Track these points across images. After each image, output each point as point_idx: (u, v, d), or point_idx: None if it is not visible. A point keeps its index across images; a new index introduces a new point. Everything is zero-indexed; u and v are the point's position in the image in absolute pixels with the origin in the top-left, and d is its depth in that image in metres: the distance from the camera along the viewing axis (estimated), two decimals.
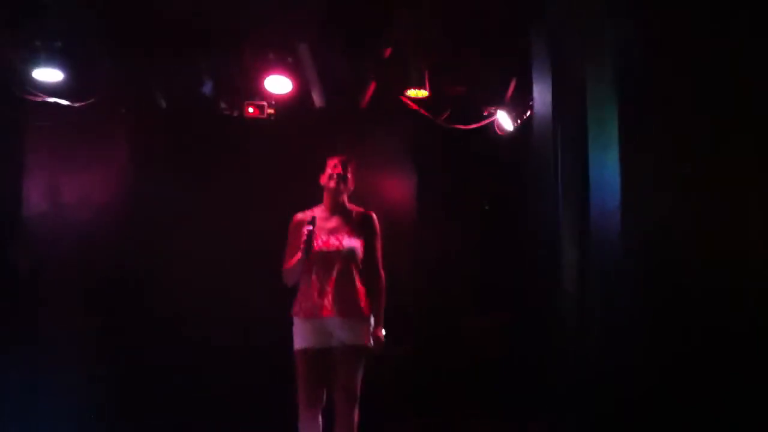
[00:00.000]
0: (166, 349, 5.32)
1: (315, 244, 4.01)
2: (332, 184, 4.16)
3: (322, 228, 4.11)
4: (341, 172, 4.17)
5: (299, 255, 3.99)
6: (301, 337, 4.07)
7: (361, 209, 4.28)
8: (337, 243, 4.09)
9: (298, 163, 5.43)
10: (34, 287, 5.21)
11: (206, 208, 5.51)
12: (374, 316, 4.15)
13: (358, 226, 4.19)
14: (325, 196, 4.23)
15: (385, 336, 4.16)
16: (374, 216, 4.27)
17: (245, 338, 5.39)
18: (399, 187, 6.08)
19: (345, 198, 4.23)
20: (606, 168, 2.43)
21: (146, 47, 4.98)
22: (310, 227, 3.95)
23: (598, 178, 2.47)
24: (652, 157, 2.38)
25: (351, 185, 4.25)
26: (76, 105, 5.07)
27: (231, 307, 5.40)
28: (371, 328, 4.13)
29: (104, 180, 5.50)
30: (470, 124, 5.78)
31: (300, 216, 4.22)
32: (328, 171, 4.20)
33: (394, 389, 5.49)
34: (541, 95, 2.78)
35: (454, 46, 5.26)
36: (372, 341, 4.10)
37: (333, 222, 4.17)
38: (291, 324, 4.16)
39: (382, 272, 4.22)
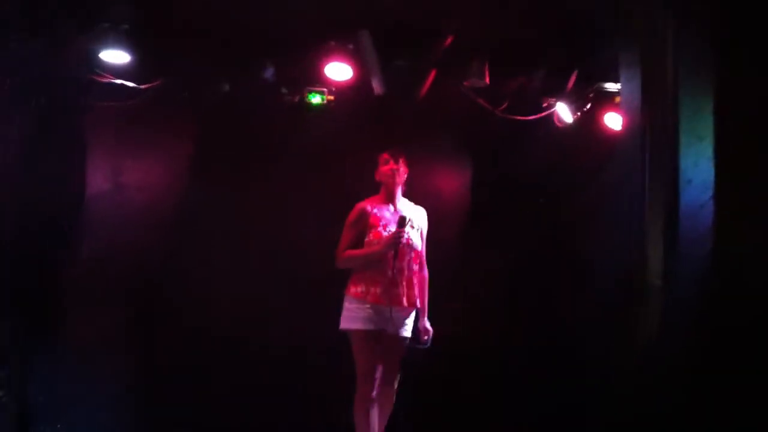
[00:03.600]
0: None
1: (388, 235, 4.22)
2: (388, 178, 4.39)
3: (391, 220, 4.32)
4: (394, 165, 4.39)
5: (378, 248, 4.19)
6: (363, 319, 4.22)
7: (413, 204, 4.51)
8: (406, 236, 4.27)
9: (357, 151, 5.48)
10: (94, 268, 5.25)
11: (263, 193, 5.54)
12: (421, 309, 4.40)
13: (416, 220, 4.41)
14: (382, 190, 4.45)
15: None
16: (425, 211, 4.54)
17: (288, 338, 5.41)
18: (454, 177, 6.06)
19: (401, 190, 4.45)
20: (699, 160, 2.38)
21: (209, 32, 5.01)
22: (404, 230, 4.18)
23: (690, 172, 2.43)
24: (748, 148, 2.32)
25: (404, 176, 4.45)
26: (142, 87, 5.12)
27: (288, 298, 5.41)
28: (416, 321, 4.37)
29: (166, 162, 5.55)
30: (529, 115, 5.72)
31: (362, 205, 4.40)
32: (381, 166, 4.43)
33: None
34: (629, 86, 2.73)
35: (514, 36, 5.21)
36: (421, 334, 4.36)
37: (398, 215, 4.33)
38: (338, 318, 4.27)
39: (426, 266, 4.47)
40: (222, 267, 5.43)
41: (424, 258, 4.47)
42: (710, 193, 2.32)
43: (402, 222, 4.21)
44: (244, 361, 5.31)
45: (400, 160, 4.40)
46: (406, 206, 4.46)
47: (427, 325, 4.38)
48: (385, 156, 4.41)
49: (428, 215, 4.60)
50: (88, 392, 4.95)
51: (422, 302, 4.42)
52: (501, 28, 5.10)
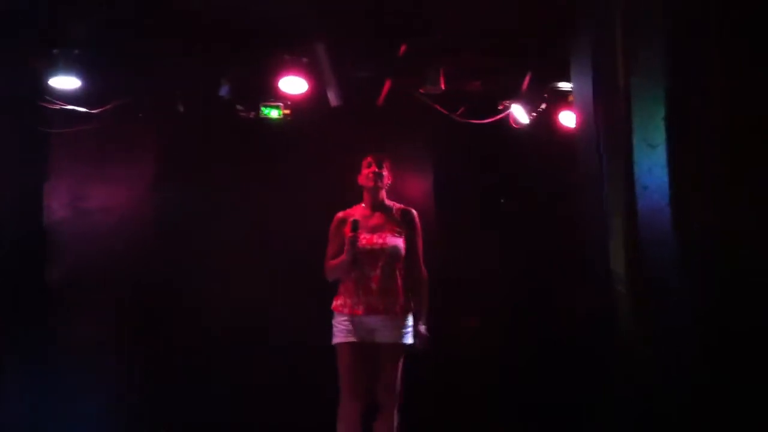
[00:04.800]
0: (192, 352, 5.32)
1: (359, 244, 4.14)
2: (370, 182, 4.33)
3: (365, 226, 4.24)
4: (377, 169, 4.32)
5: (344, 257, 4.13)
6: (344, 333, 4.16)
7: (401, 205, 4.43)
8: (380, 241, 4.22)
9: (317, 163, 5.50)
10: (59, 294, 5.22)
11: (226, 210, 5.53)
12: (417, 313, 4.27)
13: (400, 223, 4.33)
14: (365, 194, 4.40)
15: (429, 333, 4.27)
16: (415, 212, 4.42)
17: (272, 338, 5.41)
18: (416, 184, 6.06)
19: (383, 194, 4.39)
20: (653, 167, 2.42)
21: (162, 51, 4.96)
22: (352, 235, 4.09)
23: (645, 178, 2.46)
24: (703, 154, 2.36)
25: (388, 181, 4.40)
26: (93, 111, 5.06)
27: (255, 307, 5.38)
28: (412, 326, 4.23)
29: (124, 185, 5.49)
30: (486, 118, 5.75)
31: (341, 215, 4.37)
32: (364, 170, 4.38)
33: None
34: (582, 94, 2.77)
35: (469, 42, 5.24)
36: (415, 339, 4.22)
37: (375, 219, 4.29)
38: (326, 320, 4.27)
39: (424, 269, 4.35)
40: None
41: (419, 261, 4.34)
42: (666, 199, 2.36)
43: (354, 226, 4.14)
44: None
45: (384, 164, 4.36)
46: (391, 210, 4.37)
47: (422, 330, 4.25)
48: (369, 159, 4.37)
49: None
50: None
51: (420, 307, 4.28)
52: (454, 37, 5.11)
